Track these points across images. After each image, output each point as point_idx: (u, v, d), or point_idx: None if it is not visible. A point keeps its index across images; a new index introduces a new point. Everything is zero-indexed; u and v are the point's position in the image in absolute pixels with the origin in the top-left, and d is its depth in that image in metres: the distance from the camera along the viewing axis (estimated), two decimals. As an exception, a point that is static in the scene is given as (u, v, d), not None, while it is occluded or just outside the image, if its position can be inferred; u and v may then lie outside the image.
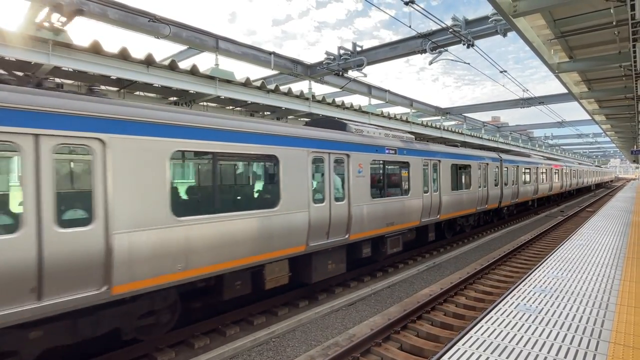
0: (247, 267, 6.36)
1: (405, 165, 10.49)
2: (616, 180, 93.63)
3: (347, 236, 8.29)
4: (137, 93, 9.26)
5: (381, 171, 9.85)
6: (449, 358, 3.34)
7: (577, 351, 3.46)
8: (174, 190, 5.65)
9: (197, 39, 8.95)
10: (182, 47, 10.09)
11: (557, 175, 27.92)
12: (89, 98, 4.81)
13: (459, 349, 3.52)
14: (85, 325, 4.83)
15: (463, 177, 14.20)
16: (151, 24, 7.79)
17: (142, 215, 4.96)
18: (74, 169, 5.82)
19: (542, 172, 24.24)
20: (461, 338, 3.75)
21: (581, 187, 40.18)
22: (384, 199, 9.46)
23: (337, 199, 8.05)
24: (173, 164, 5.61)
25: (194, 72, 8.21)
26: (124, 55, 7.02)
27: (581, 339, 3.72)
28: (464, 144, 19.04)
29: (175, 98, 9.71)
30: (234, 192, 8.49)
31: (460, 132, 20.59)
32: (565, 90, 12.36)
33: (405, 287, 9.01)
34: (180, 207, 5.63)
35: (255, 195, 8.45)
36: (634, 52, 6.72)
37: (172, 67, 7.80)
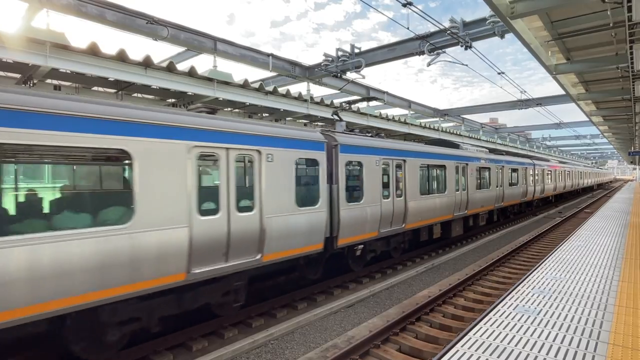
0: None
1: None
2: (614, 181, 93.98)
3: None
4: (135, 95, 9.25)
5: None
6: (448, 360, 3.33)
7: (575, 352, 3.46)
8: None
9: (195, 40, 8.95)
10: (181, 49, 10.09)
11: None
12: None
13: (457, 350, 3.51)
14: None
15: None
16: (149, 25, 7.79)
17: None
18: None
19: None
20: (460, 340, 3.74)
21: (580, 188, 39.83)
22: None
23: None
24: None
25: (192, 73, 8.20)
26: (121, 57, 7.01)
27: (580, 340, 3.72)
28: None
29: (173, 100, 9.71)
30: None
31: (458, 133, 20.65)
32: (562, 92, 12.41)
33: (404, 289, 9.00)
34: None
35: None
36: (631, 53, 6.74)
37: (170, 68, 7.80)
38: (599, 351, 3.50)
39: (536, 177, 23.15)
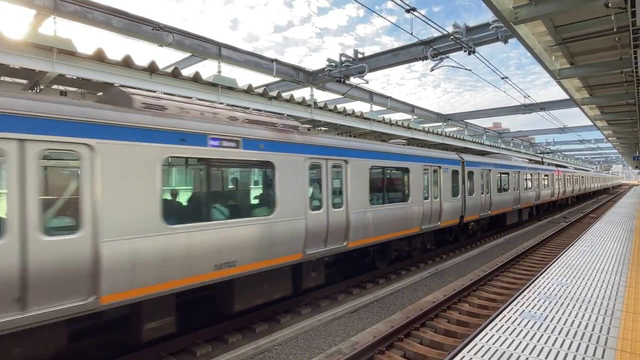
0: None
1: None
2: (619, 186, 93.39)
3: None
4: (140, 100, 9.32)
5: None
6: (454, 366, 3.31)
7: (583, 359, 3.43)
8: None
9: (200, 46, 9.02)
10: (185, 55, 10.18)
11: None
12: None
13: (463, 356, 3.48)
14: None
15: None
16: (154, 32, 7.87)
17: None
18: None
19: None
20: (465, 346, 3.72)
21: (581, 194, 39.00)
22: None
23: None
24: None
25: (196, 79, 8.28)
26: (127, 63, 7.09)
27: (587, 346, 3.68)
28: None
29: (177, 105, 9.77)
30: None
31: (462, 138, 20.61)
32: (566, 97, 12.39)
33: (408, 294, 8.96)
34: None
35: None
36: (635, 58, 6.74)
37: (175, 74, 7.87)
38: (606, 358, 3.46)
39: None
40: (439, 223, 11.72)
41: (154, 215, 5.01)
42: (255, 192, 7.57)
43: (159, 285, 5.05)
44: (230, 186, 7.47)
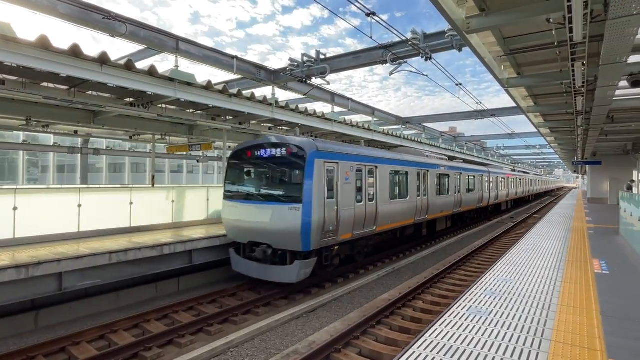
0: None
1: None
2: (561, 189, 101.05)
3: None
4: (90, 92, 8.80)
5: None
6: (405, 361, 3.42)
7: (522, 350, 3.67)
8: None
9: (157, 39, 8.69)
10: (140, 47, 9.75)
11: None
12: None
13: (414, 352, 3.61)
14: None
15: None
16: (106, 21, 7.47)
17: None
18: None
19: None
20: (417, 342, 3.85)
21: (522, 197, 37.38)
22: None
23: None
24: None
25: (152, 72, 7.93)
26: (75, 52, 6.65)
27: (526, 338, 3.95)
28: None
29: (131, 99, 9.33)
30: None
31: (419, 141, 21.34)
32: (514, 104, 13.21)
33: (366, 293, 9.14)
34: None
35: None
36: (573, 71, 7.31)
37: (129, 66, 7.49)
38: (542, 348, 3.73)
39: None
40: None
41: (388, 195, 11.46)
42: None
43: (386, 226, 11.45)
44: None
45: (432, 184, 14.95)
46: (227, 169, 9.96)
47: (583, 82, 8.01)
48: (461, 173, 18.63)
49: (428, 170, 14.63)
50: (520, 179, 34.11)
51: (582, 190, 54.68)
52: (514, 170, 35.05)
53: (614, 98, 9.30)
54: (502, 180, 27.20)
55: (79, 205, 8.82)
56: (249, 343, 6.32)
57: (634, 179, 23.12)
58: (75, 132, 13.78)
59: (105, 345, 6.19)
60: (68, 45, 6.51)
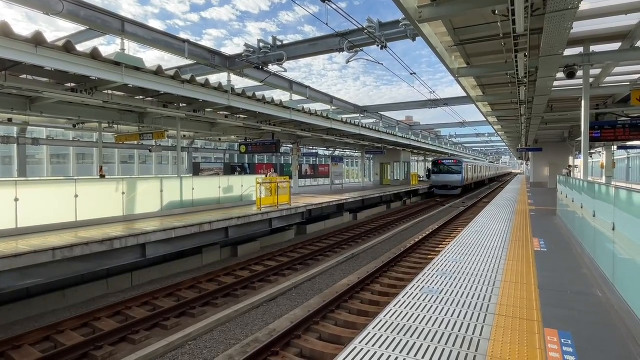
0: None
1: None
2: (508, 174, 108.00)
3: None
4: (24, 76, 8.08)
5: None
6: (361, 342, 3.52)
7: (469, 324, 3.91)
8: None
9: (99, 19, 8.10)
10: (82, 27, 9.04)
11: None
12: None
13: (369, 332, 3.73)
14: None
15: None
16: (39, -3, 6.84)
17: None
18: None
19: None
20: (372, 322, 3.98)
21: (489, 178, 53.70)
22: None
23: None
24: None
25: (95, 56, 7.40)
26: (4, 32, 6.05)
27: (473, 313, 4.21)
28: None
29: (72, 84, 8.67)
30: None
31: (377, 129, 21.75)
32: (465, 94, 13.80)
33: (326, 279, 9.29)
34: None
35: None
36: (516, 62, 7.74)
37: (68, 48, 6.94)
38: (487, 321, 3.99)
39: None
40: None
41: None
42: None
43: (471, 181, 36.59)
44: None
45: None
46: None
47: (525, 73, 8.51)
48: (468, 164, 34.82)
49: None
50: (481, 166, 45.90)
51: (526, 175, 58.68)
52: (475, 160, 49.25)
53: (553, 88, 9.98)
54: (471, 167, 38.94)
55: (16, 200, 8.13)
56: (207, 335, 6.22)
57: (570, 164, 25.12)
58: (10, 120, 12.62)
59: (51, 346, 5.84)
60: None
